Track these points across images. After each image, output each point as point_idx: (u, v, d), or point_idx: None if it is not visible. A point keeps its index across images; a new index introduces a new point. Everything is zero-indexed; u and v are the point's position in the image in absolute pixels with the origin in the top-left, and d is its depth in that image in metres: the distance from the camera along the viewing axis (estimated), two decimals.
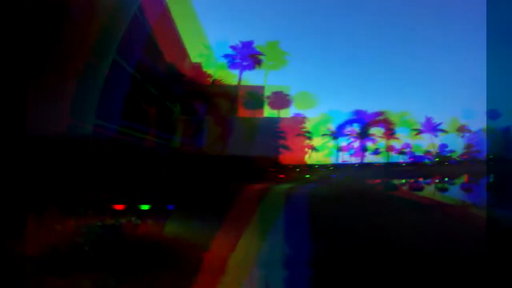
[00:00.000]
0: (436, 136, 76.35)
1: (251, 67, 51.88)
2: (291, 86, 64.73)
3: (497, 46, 57.35)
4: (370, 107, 69.69)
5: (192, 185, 32.80)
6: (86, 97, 25.10)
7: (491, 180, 50.60)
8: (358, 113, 68.85)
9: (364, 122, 69.31)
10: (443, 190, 46.74)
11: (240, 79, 50.58)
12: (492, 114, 72.95)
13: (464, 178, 56.92)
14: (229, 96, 49.23)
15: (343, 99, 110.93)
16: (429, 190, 46.09)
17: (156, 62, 39.21)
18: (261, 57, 52.52)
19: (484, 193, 37.54)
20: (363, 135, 69.81)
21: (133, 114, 32.76)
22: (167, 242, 12.57)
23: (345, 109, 75.64)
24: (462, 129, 78.08)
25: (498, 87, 58.88)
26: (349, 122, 69.77)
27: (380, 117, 68.20)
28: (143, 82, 35.14)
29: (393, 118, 69.17)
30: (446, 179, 57.42)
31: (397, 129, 70.92)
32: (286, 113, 63.80)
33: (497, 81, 57.28)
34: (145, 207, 17.23)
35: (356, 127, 70.47)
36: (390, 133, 70.23)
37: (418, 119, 74.84)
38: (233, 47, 50.35)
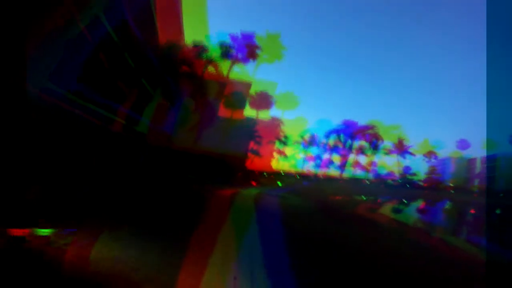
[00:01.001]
0: (404, 158, 76.19)
1: (245, 59, 50.62)
2: (278, 83, 63.89)
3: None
4: (355, 117, 71.02)
5: (142, 184, 28.49)
6: (50, 52, 19.28)
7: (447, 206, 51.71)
8: (347, 123, 67.66)
9: (349, 132, 68.24)
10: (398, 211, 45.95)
11: (229, 71, 49.00)
12: (463, 144, 75.07)
13: (421, 203, 56.42)
14: (214, 90, 47.72)
15: (327, 107, 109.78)
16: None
17: (145, 31, 33.70)
18: (257, 50, 51.08)
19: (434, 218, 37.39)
20: (347, 146, 68.93)
21: (99, 84, 26.81)
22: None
23: (325, 117, 76.57)
24: (430, 154, 78.17)
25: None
26: (336, 131, 68.67)
27: (369, 130, 67.81)
28: (121, 49, 28.90)
29: (383, 130, 69.00)
30: (405, 201, 56.45)
31: (383, 143, 70.84)
32: (266, 113, 62.21)
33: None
34: (45, 231, 10.87)
35: (341, 138, 69.48)
36: (374, 147, 69.56)
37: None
38: (232, 37, 48.85)
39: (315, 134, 73.36)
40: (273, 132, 64.51)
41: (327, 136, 69.67)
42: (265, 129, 61.24)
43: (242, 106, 55.68)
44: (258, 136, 59.46)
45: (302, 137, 71.46)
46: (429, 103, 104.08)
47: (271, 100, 61.30)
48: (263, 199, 28.67)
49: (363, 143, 70.38)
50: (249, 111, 59.02)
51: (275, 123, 64.99)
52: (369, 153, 71.62)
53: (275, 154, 70.52)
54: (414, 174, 77.67)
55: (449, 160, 80.00)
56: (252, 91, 57.96)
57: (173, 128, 43.06)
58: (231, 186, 34.02)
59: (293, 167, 75.01)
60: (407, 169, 77.15)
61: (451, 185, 78.39)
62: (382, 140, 69.11)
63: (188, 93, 43.68)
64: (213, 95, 47.32)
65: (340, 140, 69.10)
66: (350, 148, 69.84)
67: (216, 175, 36.48)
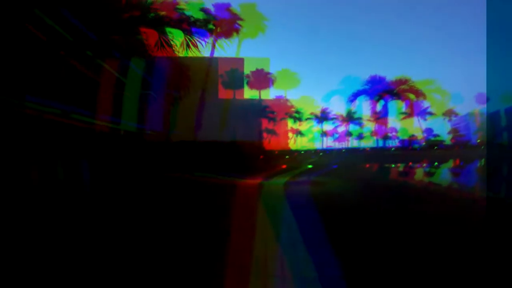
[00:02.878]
0: (424, 119, 68.38)
1: (228, 33, 39.49)
2: (270, 59, 53.87)
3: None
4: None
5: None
6: None
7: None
8: (373, 80, 53.36)
9: (380, 90, 53.59)
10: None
11: (213, 50, 38.40)
12: (481, 99, 67.11)
13: (452, 163, 48.28)
14: (204, 70, 37.71)
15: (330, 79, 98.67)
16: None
17: None
18: (238, 22, 40.00)
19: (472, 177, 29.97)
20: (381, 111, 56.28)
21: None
22: None
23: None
24: (449, 113, 70.48)
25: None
26: (364, 91, 54.24)
27: (403, 86, 53.05)
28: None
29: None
30: (436, 163, 48.48)
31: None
32: (266, 93, 51.79)
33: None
34: None
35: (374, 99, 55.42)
36: (421, 103, 56.83)
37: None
38: (204, 10, 37.57)
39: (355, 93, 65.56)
40: (284, 109, 54.98)
41: (353, 99, 56.36)
42: (275, 107, 51.92)
43: (241, 85, 46.11)
44: (271, 112, 50.12)
45: (318, 110, 63.00)
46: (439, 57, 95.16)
47: (269, 77, 51.19)
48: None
49: (399, 103, 56.95)
50: (248, 92, 49.29)
51: (283, 101, 55.60)
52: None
53: (289, 133, 62.16)
54: (437, 135, 70.99)
55: (470, 117, 72.94)
56: (246, 70, 48.10)
57: (167, 121, 33.46)
58: (254, 174, 24.36)
59: (310, 143, 67.63)
60: (428, 131, 70.47)
61: (478, 141, 71.61)
62: (424, 96, 54.63)
63: (172, 77, 33.60)
64: (202, 75, 37.21)
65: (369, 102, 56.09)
66: (384, 111, 56.61)
67: (230, 163, 26.83)
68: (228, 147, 31.40)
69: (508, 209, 12.50)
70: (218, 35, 38.14)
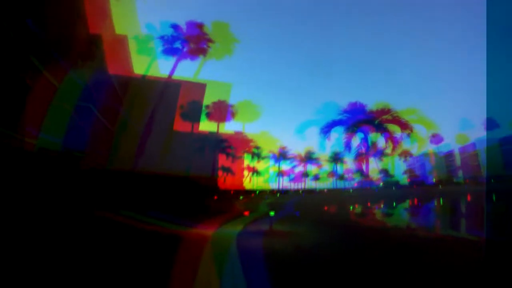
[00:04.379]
0: (380, 160, 66.13)
1: (193, 54, 34.03)
2: (232, 84, 48.77)
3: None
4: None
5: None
6: None
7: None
8: (352, 109, 46.03)
9: (360, 121, 45.99)
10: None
11: (174, 70, 32.70)
12: (437, 139, 66.17)
13: (409, 202, 45.08)
14: (159, 92, 31.96)
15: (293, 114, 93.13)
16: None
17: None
18: (207, 42, 34.61)
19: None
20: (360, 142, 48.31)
21: None
22: None
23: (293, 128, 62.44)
24: (405, 154, 68.95)
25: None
26: (339, 122, 46.88)
27: (386, 116, 45.76)
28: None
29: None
30: (394, 204, 44.99)
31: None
32: (223, 125, 46.38)
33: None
34: None
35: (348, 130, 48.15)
36: (407, 133, 46.58)
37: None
38: (174, 27, 32.26)
39: (286, 147, 61.38)
40: (243, 145, 49.60)
41: (326, 131, 47.64)
42: (234, 142, 46.43)
43: (199, 117, 40.78)
44: (230, 147, 44.49)
45: (277, 148, 58.09)
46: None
47: (231, 110, 46.13)
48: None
49: (376, 136, 48.61)
50: (206, 124, 43.88)
51: (242, 136, 50.35)
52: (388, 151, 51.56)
53: (245, 170, 56.80)
54: (392, 176, 69.54)
55: (425, 157, 73.71)
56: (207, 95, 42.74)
57: (110, 146, 27.12)
58: (205, 220, 18.24)
59: (265, 183, 62.66)
60: (384, 172, 68.83)
61: (434, 180, 71.79)
62: (410, 129, 45.78)
63: (124, 100, 27.81)
64: (155, 99, 31.43)
65: (348, 134, 47.38)
66: (364, 146, 48.12)
67: (179, 202, 20.82)
68: (179, 182, 25.42)
69: None
70: (183, 55, 32.81)
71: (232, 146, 44.69)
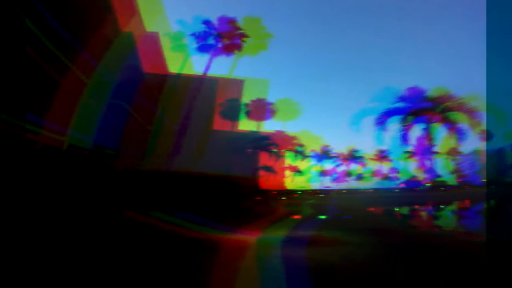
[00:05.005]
0: (429, 159, 61.72)
1: (227, 51, 31.87)
2: (269, 81, 45.93)
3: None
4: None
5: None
6: None
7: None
8: (410, 95, 37.96)
9: (420, 109, 37.76)
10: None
11: (208, 66, 30.66)
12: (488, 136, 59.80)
13: (458, 204, 40.71)
14: (194, 89, 30.08)
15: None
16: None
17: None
18: (241, 38, 32.26)
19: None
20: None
21: None
22: None
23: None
24: (453, 152, 64.01)
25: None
26: (396, 111, 38.42)
27: (449, 103, 36.94)
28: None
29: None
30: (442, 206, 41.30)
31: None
32: (262, 125, 43.84)
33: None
34: None
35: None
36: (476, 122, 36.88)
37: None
38: (206, 23, 30.42)
39: (328, 145, 58.50)
40: (287, 143, 47.13)
41: (381, 121, 39.20)
42: (277, 141, 44.02)
43: (238, 116, 38.76)
44: (274, 145, 42.10)
45: (319, 147, 55.36)
46: None
47: (270, 108, 43.74)
48: None
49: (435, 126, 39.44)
50: (245, 123, 41.61)
51: (285, 135, 47.87)
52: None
53: (287, 170, 54.50)
54: (440, 176, 64.24)
55: (474, 156, 66.95)
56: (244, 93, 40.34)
57: (146, 146, 25.61)
58: (247, 225, 15.96)
59: (307, 183, 60.09)
60: (431, 171, 63.95)
61: (484, 181, 65.42)
62: (476, 121, 36.66)
63: (160, 98, 26.19)
64: (191, 97, 29.47)
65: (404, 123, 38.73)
66: (428, 137, 38.48)
67: (220, 204, 18.83)
68: (218, 182, 23.48)
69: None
70: (218, 52, 30.78)
71: (276, 144, 42.24)
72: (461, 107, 36.39)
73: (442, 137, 41.35)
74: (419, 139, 39.25)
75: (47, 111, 16.27)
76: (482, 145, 62.75)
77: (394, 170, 66.96)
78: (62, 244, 9.84)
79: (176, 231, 12.89)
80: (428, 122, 37.52)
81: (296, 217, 20.26)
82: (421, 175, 65.76)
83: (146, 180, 20.78)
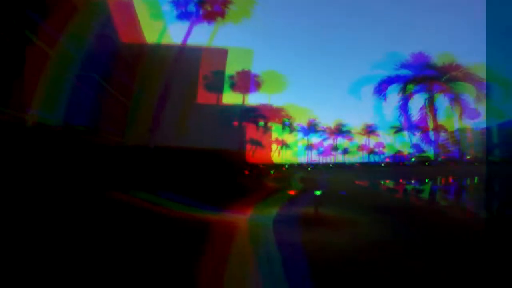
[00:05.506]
0: (414, 134, 61.01)
1: (209, 18, 29.33)
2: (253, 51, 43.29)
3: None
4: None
5: None
6: None
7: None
8: (415, 62, 33.71)
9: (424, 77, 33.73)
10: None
11: (188, 35, 28.03)
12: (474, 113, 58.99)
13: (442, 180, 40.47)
14: (173, 59, 27.79)
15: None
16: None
17: None
18: (227, 4, 29.63)
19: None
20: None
21: None
22: None
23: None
24: (438, 128, 63.32)
25: None
26: (397, 79, 34.36)
27: (455, 72, 32.86)
28: None
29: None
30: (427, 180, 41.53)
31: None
32: (246, 98, 41.39)
33: None
34: None
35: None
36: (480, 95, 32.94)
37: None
38: None
39: (315, 119, 57.04)
40: (273, 117, 45.27)
41: (380, 90, 35.20)
42: (265, 113, 42.28)
43: (222, 88, 36.84)
44: (262, 117, 40.42)
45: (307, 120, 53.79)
46: None
47: (256, 80, 41.58)
48: None
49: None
50: (229, 96, 39.42)
51: (272, 107, 45.94)
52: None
53: (274, 144, 53.04)
54: (424, 151, 63.91)
55: (460, 133, 66.50)
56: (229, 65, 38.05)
57: (125, 121, 23.74)
58: (239, 202, 14.44)
59: (293, 157, 58.98)
60: (417, 147, 63.58)
61: (468, 158, 65.33)
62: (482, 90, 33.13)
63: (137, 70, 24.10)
64: (171, 68, 27.12)
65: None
66: (431, 107, 34.59)
67: (206, 180, 17.32)
68: (204, 157, 21.93)
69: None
70: (198, 19, 28.24)
71: (263, 116, 40.45)
72: (467, 77, 32.74)
73: (444, 109, 36.85)
74: (420, 110, 35.32)
75: (7, 87, 14.32)
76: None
77: (380, 144, 66.27)
78: (40, 229, 8.27)
79: (161, 213, 11.37)
80: (430, 92, 33.98)
81: (291, 192, 18.95)
82: (406, 150, 65.48)
83: (127, 157, 19.15)
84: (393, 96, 34.65)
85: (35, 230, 8.21)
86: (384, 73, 34.23)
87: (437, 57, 33.12)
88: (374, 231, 9.44)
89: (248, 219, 11.06)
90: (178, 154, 19.26)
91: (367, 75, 36.28)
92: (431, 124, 37.91)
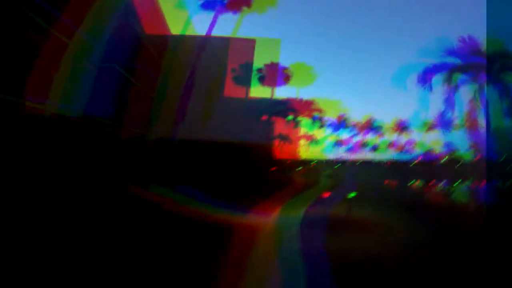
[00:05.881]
0: (448, 132, 57.70)
1: (234, 8, 27.64)
2: (281, 40, 40.74)
3: None
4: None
5: None
6: None
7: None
8: (463, 49, 29.15)
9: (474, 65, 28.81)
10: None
11: (213, 25, 26.50)
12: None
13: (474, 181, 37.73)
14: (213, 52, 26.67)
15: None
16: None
17: None
18: None
19: None
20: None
21: None
22: None
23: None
24: (474, 125, 59.74)
25: None
26: (444, 66, 29.17)
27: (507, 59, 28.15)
28: None
29: None
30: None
31: None
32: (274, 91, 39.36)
33: None
34: None
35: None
36: None
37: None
38: None
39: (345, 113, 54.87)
40: (303, 110, 43.43)
41: (424, 79, 29.75)
42: (294, 107, 40.57)
43: (250, 79, 35.50)
44: (293, 111, 38.72)
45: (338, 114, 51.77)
46: None
47: (286, 73, 39.82)
48: None
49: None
50: (257, 89, 37.69)
51: (302, 100, 43.99)
52: None
53: (302, 139, 51.39)
54: (456, 150, 60.51)
55: (496, 132, 62.12)
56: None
57: (149, 114, 22.88)
58: (265, 201, 13.14)
59: (322, 152, 57.12)
60: (449, 145, 60.34)
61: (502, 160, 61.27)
62: None
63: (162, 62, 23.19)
64: (197, 59, 25.75)
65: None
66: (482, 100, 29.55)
67: (233, 176, 16.26)
68: (232, 151, 20.97)
69: None
70: (223, 9, 26.84)
71: (293, 109, 38.75)
72: None
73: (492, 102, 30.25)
74: (473, 101, 29.52)
75: (24, 78, 13.65)
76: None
77: (411, 142, 63.38)
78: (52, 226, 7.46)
79: (178, 212, 10.37)
80: (477, 82, 29.03)
81: (325, 195, 17.66)
82: (437, 149, 62.48)
83: (149, 150, 18.43)
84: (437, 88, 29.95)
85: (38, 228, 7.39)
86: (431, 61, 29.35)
87: (487, 43, 28.01)
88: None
89: (273, 221, 9.94)
90: (203, 148, 18.31)
91: (410, 63, 31.01)
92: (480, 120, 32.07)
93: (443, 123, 56.75)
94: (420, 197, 23.47)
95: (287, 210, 12.01)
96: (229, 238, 7.59)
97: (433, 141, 62.67)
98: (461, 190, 27.18)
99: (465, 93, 28.22)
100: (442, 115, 55.60)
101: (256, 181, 18.54)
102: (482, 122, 31.96)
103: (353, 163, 58.33)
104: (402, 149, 63.89)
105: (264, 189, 16.35)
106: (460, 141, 62.19)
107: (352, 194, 15.29)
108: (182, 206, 10.85)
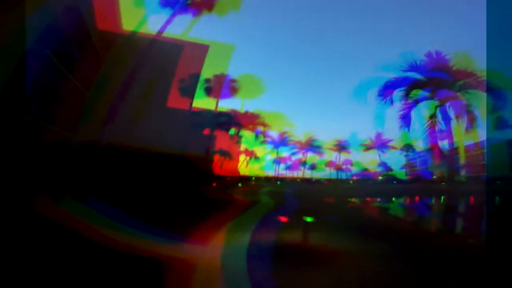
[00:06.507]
0: (384, 153, 60.46)
1: (196, 8, 25.87)
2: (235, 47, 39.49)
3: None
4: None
5: None
6: None
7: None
8: (429, 62, 28.21)
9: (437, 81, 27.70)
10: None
11: (167, 24, 24.73)
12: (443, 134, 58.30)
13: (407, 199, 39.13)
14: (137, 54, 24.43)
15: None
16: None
17: None
18: None
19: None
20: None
21: None
22: None
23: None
24: (408, 147, 63.45)
25: None
26: (404, 81, 28.58)
27: (470, 78, 26.90)
28: None
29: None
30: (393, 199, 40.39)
31: None
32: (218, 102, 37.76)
33: None
34: None
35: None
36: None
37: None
38: None
39: (286, 131, 54.98)
40: (249, 124, 41.83)
41: (383, 94, 29.31)
42: (239, 120, 38.98)
43: (194, 90, 33.50)
44: (238, 124, 36.92)
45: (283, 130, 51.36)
46: None
47: (234, 86, 38.41)
48: None
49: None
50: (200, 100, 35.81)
51: (249, 113, 42.37)
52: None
53: (242, 155, 50.16)
54: (391, 169, 64.22)
55: (428, 152, 67.76)
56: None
57: (79, 114, 20.06)
58: (205, 222, 10.97)
59: (261, 170, 56.53)
60: (384, 165, 63.85)
61: (434, 177, 66.36)
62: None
63: (105, 59, 20.68)
64: (141, 60, 23.70)
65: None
66: (445, 117, 28.30)
67: (168, 191, 13.98)
68: (170, 164, 18.59)
69: None
70: (183, 9, 24.81)
71: (238, 122, 36.89)
72: (480, 84, 26.55)
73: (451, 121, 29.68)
74: (433, 119, 28.72)
75: None
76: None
77: (348, 161, 65.30)
78: None
79: (89, 239, 7.94)
80: (445, 98, 27.55)
81: (282, 219, 15.91)
82: (373, 168, 65.00)
83: (74, 155, 15.63)
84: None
85: None
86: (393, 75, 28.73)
87: (452, 56, 28.22)
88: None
89: (212, 253, 7.88)
90: (134, 156, 15.83)
91: (371, 77, 30.43)
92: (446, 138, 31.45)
93: (380, 144, 58.75)
94: (358, 212, 22.75)
95: (230, 235, 10.02)
96: (156, 280, 5.45)
97: (370, 161, 65.21)
98: (397, 206, 27.14)
99: (425, 109, 28.01)
100: (378, 136, 57.41)
101: (194, 198, 16.38)
102: (442, 138, 31.37)
103: (292, 180, 58.16)
104: (339, 168, 65.35)
105: (202, 208, 14.32)
106: (394, 161, 65.06)
107: (309, 219, 13.73)
108: (95, 230, 8.41)
